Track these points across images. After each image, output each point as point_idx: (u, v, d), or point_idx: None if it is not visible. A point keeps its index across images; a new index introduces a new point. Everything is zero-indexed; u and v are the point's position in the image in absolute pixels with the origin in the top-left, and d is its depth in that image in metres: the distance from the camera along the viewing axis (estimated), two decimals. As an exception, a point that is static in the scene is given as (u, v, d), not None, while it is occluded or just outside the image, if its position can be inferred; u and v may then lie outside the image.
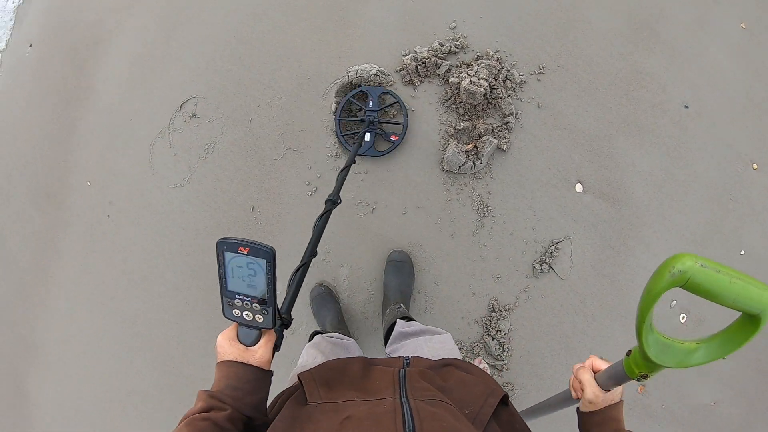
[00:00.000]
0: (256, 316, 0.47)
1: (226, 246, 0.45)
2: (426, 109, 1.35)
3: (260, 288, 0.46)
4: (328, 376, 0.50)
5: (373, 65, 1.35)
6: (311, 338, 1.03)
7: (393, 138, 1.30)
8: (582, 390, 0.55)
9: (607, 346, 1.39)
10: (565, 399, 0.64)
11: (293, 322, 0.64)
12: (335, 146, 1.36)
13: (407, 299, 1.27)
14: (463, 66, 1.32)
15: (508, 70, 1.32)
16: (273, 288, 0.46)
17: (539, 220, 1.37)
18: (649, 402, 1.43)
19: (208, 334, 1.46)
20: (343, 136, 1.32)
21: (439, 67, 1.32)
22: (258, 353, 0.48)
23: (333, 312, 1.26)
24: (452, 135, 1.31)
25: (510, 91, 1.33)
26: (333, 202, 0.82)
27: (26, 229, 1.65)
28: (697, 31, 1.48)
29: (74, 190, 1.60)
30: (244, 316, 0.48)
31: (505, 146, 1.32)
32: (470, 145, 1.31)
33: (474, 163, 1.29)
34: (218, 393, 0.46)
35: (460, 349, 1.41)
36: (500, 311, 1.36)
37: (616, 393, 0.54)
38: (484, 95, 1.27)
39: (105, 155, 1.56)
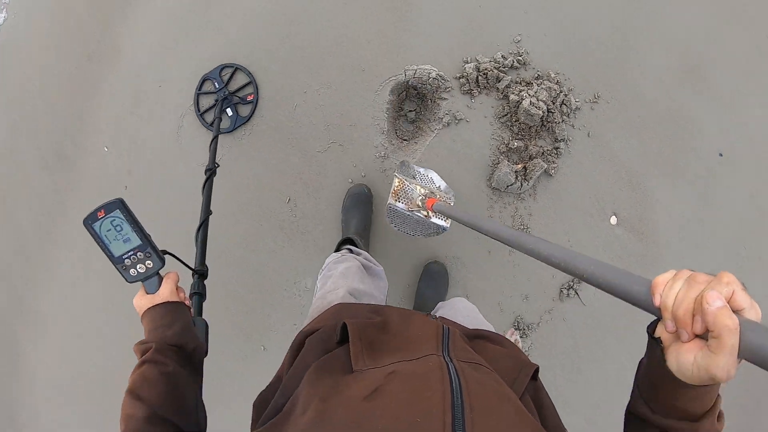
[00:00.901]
0: (146, 263, 0.52)
1: (89, 219, 0.50)
2: (481, 121, 1.25)
3: (133, 237, 0.51)
4: (372, 336, 0.44)
5: (433, 68, 1.23)
6: (338, 249, 0.95)
7: (249, 98, 1.24)
8: (695, 334, 0.28)
9: (614, 370, 1.39)
10: (633, 294, 0.35)
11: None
12: (384, 147, 1.25)
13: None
14: (523, 83, 1.23)
15: (566, 95, 1.24)
16: (140, 230, 0.52)
17: (573, 245, 1.32)
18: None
19: (225, 319, 1.34)
20: (201, 114, 1.27)
21: (499, 81, 1.22)
22: (162, 293, 0.52)
23: (362, 216, 1.15)
24: (504, 153, 1.23)
25: (564, 116, 1.25)
26: (211, 170, 0.90)
27: (31, 188, 1.45)
28: (742, 82, 1.45)
29: (89, 153, 1.40)
30: (139, 270, 0.52)
31: (552, 171, 1.26)
32: (520, 165, 1.23)
33: (521, 184, 1.22)
34: (143, 339, 0.49)
35: (516, 328, 1.37)
36: (524, 329, 1.33)
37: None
38: (541, 118, 1.19)
39: (127, 121, 1.37)
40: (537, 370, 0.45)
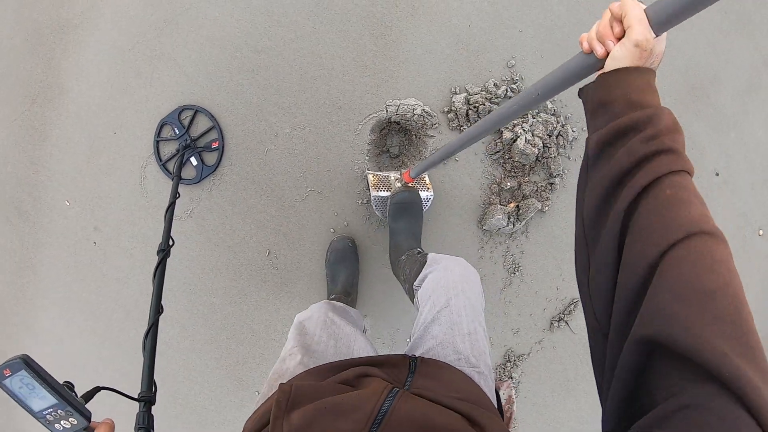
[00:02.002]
0: (70, 420, 0.44)
1: None
2: (471, 159, 1.08)
3: (47, 395, 0.44)
4: (302, 402, 0.39)
5: (417, 102, 1.03)
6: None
7: (214, 145, 1.05)
8: (617, 34, 0.33)
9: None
10: (576, 70, 0.38)
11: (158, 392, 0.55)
12: (367, 193, 1.09)
13: (419, 242, 0.98)
14: (516, 115, 1.05)
15: (563, 126, 1.07)
16: (53, 388, 0.44)
17: (564, 279, 1.22)
18: None
19: (216, 371, 1.25)
20: (163, 165, 1.07)
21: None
22: None
23: (349, 272, 1.02)
24: (496, 193, 1.08)
25: (561, 149, 1.09)
26: (164, 251, 0.71)
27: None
28: (744, 97, 1.27)
29: (49, 207, 1.21)
30: (64, 425, 0.44)
31: (546, 207, 1.12)
32: (512, 205, 1.08)
33: (514, 224, 1.08)
34: None
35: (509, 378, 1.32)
36: (514, 361, 1.26)
37: (660, 48, 0.34)
38: (537, 156, 1.03)
39: (85, 172, 1.16)
40: None
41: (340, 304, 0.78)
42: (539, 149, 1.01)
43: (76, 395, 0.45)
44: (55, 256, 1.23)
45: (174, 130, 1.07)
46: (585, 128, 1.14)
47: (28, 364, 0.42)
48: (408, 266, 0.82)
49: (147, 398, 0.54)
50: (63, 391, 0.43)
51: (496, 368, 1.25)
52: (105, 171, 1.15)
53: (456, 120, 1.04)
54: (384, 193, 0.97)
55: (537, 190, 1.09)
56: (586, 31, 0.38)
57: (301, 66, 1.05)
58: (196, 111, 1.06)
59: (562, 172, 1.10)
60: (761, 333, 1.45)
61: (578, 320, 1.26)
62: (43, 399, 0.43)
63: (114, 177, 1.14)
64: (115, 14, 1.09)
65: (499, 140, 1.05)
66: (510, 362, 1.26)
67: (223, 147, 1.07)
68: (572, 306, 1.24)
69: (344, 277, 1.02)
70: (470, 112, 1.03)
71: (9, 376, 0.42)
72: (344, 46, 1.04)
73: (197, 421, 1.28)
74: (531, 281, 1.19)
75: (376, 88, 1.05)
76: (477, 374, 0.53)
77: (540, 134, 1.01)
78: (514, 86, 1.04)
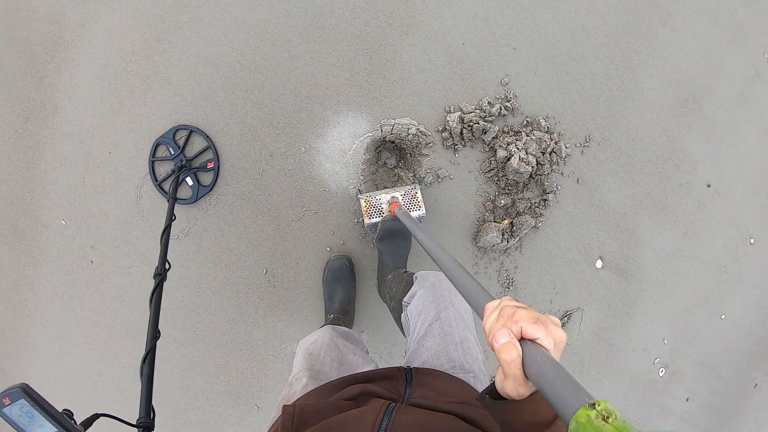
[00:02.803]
0: None
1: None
2: (465, 177, 1.12)
3: (46, 424, 0.45)
4: (307, 419, 0.42)
5: (412, 122, 1.06)
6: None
7: (209, 165, 1.07)
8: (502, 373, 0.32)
9: (596, 395, 1.42)
10: (475, 304, 0.41)
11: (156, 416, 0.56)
12: (361, 223, 1.12)
13: (405, 264, 1.03)
14: (511, 133, 1.08)
15: (556, 143, 1.10)
16: (52, 416, 0.45)
17: (557, 293, 1.27)
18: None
19: (216, 387, 1.29)
20: (159, 185, 1.10)
21: (485, 133, 1.07)
22: None
23: (346, 290, 1.06)
24: (490, 210, 1.12)
25: (554, 165, 1.13)
26: (160, 275, 0.72)
27: (-12, 267, 1.30)
28: (736, 107, 1.31)
29: (45, 226, 1.24)
30: None
31: (540, 224, 1.16)
32: (506, 222, 1.12)
33: (507, 241, 1.12)
34: None
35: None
36: (509, 373, 1.31)
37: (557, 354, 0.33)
38: (530, 174, 1.07)
39: (80, 192, 1.19)
40: None
41: (344, 328, 0.81)
42: (533, 167, 1.05)
43: (75, 423, 0.46)
44: (53, 274, 1.27)
45: (169, 150, 1.09)
46: (579, 145, 1.17)
47: (27, 393, 0.44)
48: (395, 285, 0.86)
49: (145, 424, 0.55)
50: (63, 420, 0.45)
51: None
52: (101, 190, 1.17)
53: (450, 139, 1.07)
54: (375, 220, 1.01)
55: (531, 206, 1.13)
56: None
57: (295, 85, 1.07)
58: (191, 131, 1.08)
59: (555, 189, 1.14)
60: (759, 344, 1.49)
61: (571, 331, 1.31)
62: (42, 427, 0.45)
63: (110, 196, 1.17)
64: (107, 32, 1.11)
65: (493, 158, 1.08)
66: (505, 374, 1.31)
67: (218, 167, 1.09)
68: (566, 318, 1.29)
69: (341, 296, 1.06)
70: (464, 130, 1.06)
71: (8, 405, 0.44)
72: (338, 66, 1.07)
73: (197, 435, 1.32)
74: (525, 295, 1.24)
75: (370, 107, 1.08)
76: (472, 378, 0.56)
77: (534, 152, 1.05)
78: (507, 104, 1.08)
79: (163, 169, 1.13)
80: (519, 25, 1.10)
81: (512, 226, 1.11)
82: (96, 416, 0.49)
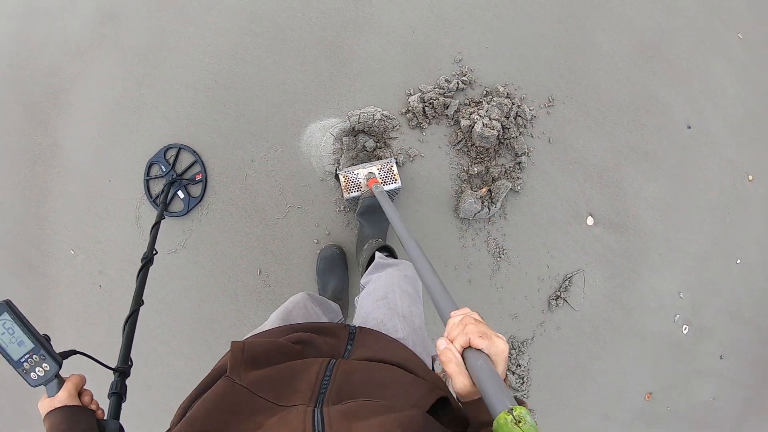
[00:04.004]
0: (43, 365, 0.51)
1: None
2: (436, 153, 1.23)
3: (25, 340, 0.50)
4: (256, 354, 0.46)
5: (376, 108, 1.19)
6: None
7: (198, 177, 1.22)
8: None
9: (618, 365, 1.41)
10: (441, 311, 0.49)
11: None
12: (342, 200, 1.23)
13: (385, 235, 1.13)
14: (472, 104, 1.19)
15: (519, 106, 1.20)
16: (31, 332, 0.51)
17: (553, 256, 1.31)
18: (655, 407, 1.48)
19: (227, 396, 1.36)
20: (153, 201, 1.26)
21: (447, 107, 1.19)
22: (59, 396, 0.51)
23: (339, 278, 1.15)
24: (465, 180, 1.21)
25: (522, 128, 1.22)
26: (148, 258, 0.86)
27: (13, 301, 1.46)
28: (699, 46, 1.39)
29: (56, 259, 1.40)
30: (38, 373, 0.51)
31: (519, 187, 1.23)
32: (484, 190, 1.21)
33: (489, 208, 1.20)
34: None
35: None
36: (519, 347, 1.33)
37: (500, 366, 0.41)
38: (497, 137, 1.16)
39: (85, 221, 1.36)
40: (443, 399, 0.44)
41: (320, 297, 0.88)
42: (498, 131, 1.14)
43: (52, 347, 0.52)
44: (65, 304, 1.41)
45: (161, 168, 1.25)
46: (543, 106, 1.27)
47: (10, 307, 0.50)
48: (364, 256, 0.98)
49: (121, 369, 0.66)
50: (38, 336, 0.51)
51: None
52: (104, 216, 1.33)
53: (415, 119, 1.19)
54: (355, 194, 1.11)
55: (506, 171, 1.22)
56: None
57: (267, 95, 1.23)
58: (180, 148, 1.24)
59: (527, 151, 1.23)
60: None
61: (576, 295, 1.34)
62: (21, 345, 0.50)
63: (112, 221, 1.33)
64: (99, 75, 1.32)
65: (458, 130, 1.19)
66: (514, 349, 1.33)
67: (206, 178, 1.24)
68: (567, 282, 1.32)
69: (334, 284, 1.15)
70: (426, 109, 1.18)
71: None
72: (303, 71, 1.23)
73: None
74: (519, 263, 1.29)
75: (337, 102, 1.22)
76: (412, 346, 0.60)
77: (497, 117, 1.15)
78: (464, 78, 1.20)
79: (158, 187, 1.29)
80: (463, 6, 1.24)
81: (491, 193, 1.20)
82: (73, 351, 0.56)
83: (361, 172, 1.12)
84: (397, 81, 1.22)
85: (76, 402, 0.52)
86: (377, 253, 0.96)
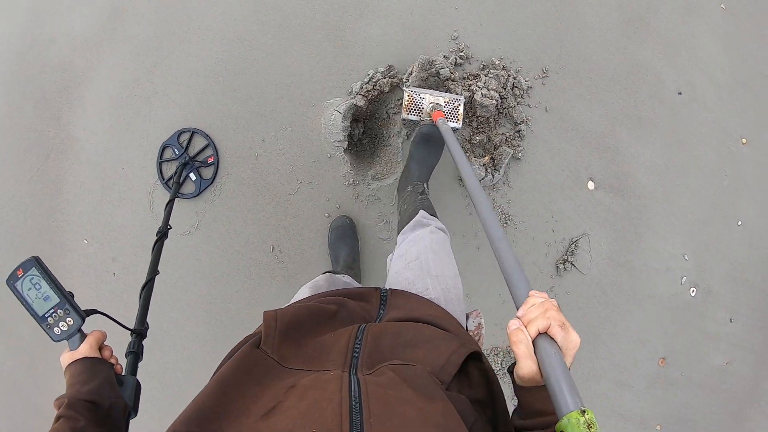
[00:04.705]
0: (67, 320, 0.54)
1: (11, 279, 0.53)
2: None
3: (51, 294, 0.53)
4: (289, 325, 0.47)
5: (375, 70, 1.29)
6: None
7: (210, 160, 1.30)
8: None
9: (628, 329, 1.47)
10: (516, 291, 0.49)
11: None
12: (351, 174, 1.31)
13: (428, 178, 1.15)
14: (471, 78, 1.29)
15: (515, 78, 1.31)
16: (57, 287, 0.54)
17: (557, 221, 1.39)
18: (669, 372, 1.53)
19: (243, 378, 1.41)
20: (165, 182, 1.34)
21: (446, 80, 1.29)
22: (81, 349, 0.55)
23: (350, 248, 1.20)
24: (468, 150, 1.30)
25: (519, 99, 1.32)
26: (163, 232, 0.94)
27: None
28: (684, 18, 1.51)
29: (69, 249, 1.47)
30: (62, 328, 0.54)
31: (520, 154, 1.32)
32: (487, 158, 1.29)
33: (492, 175, 1.28)
34: (61, 395, 0.51)
35: (496, 355, 1.44)
36: (530, 313, 1.40)
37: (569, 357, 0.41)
38: (496, 106, 1.26)
39: (99, 210, 1.43)
40: (478, 354, 0.46)
41: (345, 278, 0.91)
42: (497, 100, 1.24)
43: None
44: (79, 295, 1.46)
45: (174, 151, 1.34)
46: (538, 77, 1.37)
47: (38, 262, 0.53)
48: (406, 205, 1.01)
49: (138, 330, 0.72)
50: (64, 291, 0.54)
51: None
52: (117, 204, 1.41)
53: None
54: (413, 117, 1.12)
55: (506, 139, 1.31)
56: None
57: (274, 77, 1.33)
58: (193, 132, 1.33)
59: (525, 119, 1.32)
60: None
61: (583, 259, 1.41)
62: (46, 300, 0.53)
63: (126, 208, 1.40)
64: (111, 68, 1.41)
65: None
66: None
67: (218, 161, 1.32)
68: (573, 246, 1.40)
69: (345, 254, 1.22)
70: (430, 79, 1.28)
71: (21, 277, 0.52)
72: (308, 54, 1.33)
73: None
74: (525, 228, 1.37)
75: (341, 82, 1.32)
76: (443, 303, 0.62)
77: (494, 87, 1.25)
78: (461, 54, 1.30)
79: (170, 170, 1.37)
80: (457, -11, 1.35)
81: (493, 160, 1.28)
82: (94, 311, 0.59)
83: (428, 98, 1.08)
84: (398, 60, 1.32)
85: (96, 354, 0.55)
86: (422, 212, 0.94)
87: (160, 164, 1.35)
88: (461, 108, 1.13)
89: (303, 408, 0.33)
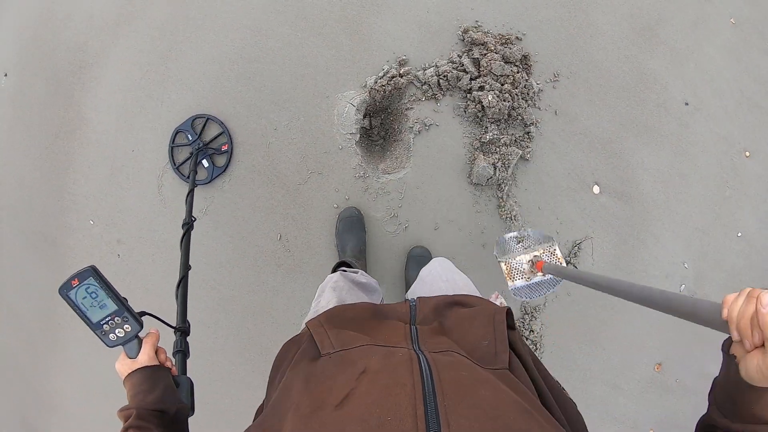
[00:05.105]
0: (124, 327, 0.54)
1: (64, 289, 0.52)
2: (450, 123, 1.35)
3: (108, 303, 0.53)
4: (336, 321, 0.49)
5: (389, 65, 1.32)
6: (334, 270, 1.00)
7: (224, 148, 1.32)
8: (755, 345, 0.33)
9: (627, 333, 1.51)
10: (705, 317, 0.41)
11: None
12: (361, 167, 1.34)
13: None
14: (483, 76, 1.33)
15: (527, 80, 1.34)
16: (115, 295, 0.54)
17: (562, 223, 1.43)
18: (664, 378, 1.57)
19: (241, 367, 1.43)
20: (177, 168, 1.36)
21: (460, 80, 1.32)
22: (140, 358, 0.55)
23: (357, 239, 1.24)
24: (478, 148, 1.33)
25: (530, 101, 1.36)
26: (189, 225, 0.95)
27: (26, 276, 1.52)
28: (693, 31, 1.56)
29: (74, 230, 1.48)
30: (118, 334, 0.54)
31: (528, 155, 1.36)
32: (496, 157, 1.33)
33: (500, 174, 1.32)
34: (126, 405, 0.53)
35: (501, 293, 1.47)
36: (531, 313, 1.43)
37: None
38: (507, 107, 1.29)
39: (107, 191, 1.45)
40: (510, 314, 0.48)
41: (360, 276, 0.93)
42: (508, 102, 1.28)
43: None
44: (82, 275, 1.48)
45: (187, 137, 1.36)
46: (549, 81, 1.41)
47: (96, 272, 0.53)
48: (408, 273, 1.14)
49: (182, 328, 0.76)
50: (120, 298, 0.54)
51: (515, 322, 1.42)
52: (125, 186, 1.42)
53: (430, 90, 1.32)
54: (521, 283, 1.06)
55: (516, 140, 1.34)
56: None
57: (290, 67, 1.36)
58: (208, 119, 1.35)
59: (535, 122, 1.36)
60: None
61: (585, 262, 1.45)
62: (102, 308, 0.53)
63: (133, 190, 1.42)
64: (125, 50, 1.43)
65: (471, 101, 1.32)
66: (528, 315, 1.43)
67: (232, 149, 1.35)
68: (576, 248, 1.43)
69: (353, 245, 1.25)
70: (441, 81, 1.31)
71: (76, 287, 0.51)
72: (324, 46, 1.36)
73: (227, 424, 1.43)
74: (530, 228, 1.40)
75: (355, 75, 1.35)
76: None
77: (507, 89, 1.28)
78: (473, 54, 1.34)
79: (182, 155, 1.39)
80: (474, -10, 1.39)
81: (502, 159, 1.32)
82: (143, 313, 0.60)
83: (524, 258, 1.07)
84: (412, 57, 1.35)
85: (155, 362, 0.55)
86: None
87: (171, 149, 1.37)
88: (558, 251, 1.08)
89: (376, 394, 0.33)
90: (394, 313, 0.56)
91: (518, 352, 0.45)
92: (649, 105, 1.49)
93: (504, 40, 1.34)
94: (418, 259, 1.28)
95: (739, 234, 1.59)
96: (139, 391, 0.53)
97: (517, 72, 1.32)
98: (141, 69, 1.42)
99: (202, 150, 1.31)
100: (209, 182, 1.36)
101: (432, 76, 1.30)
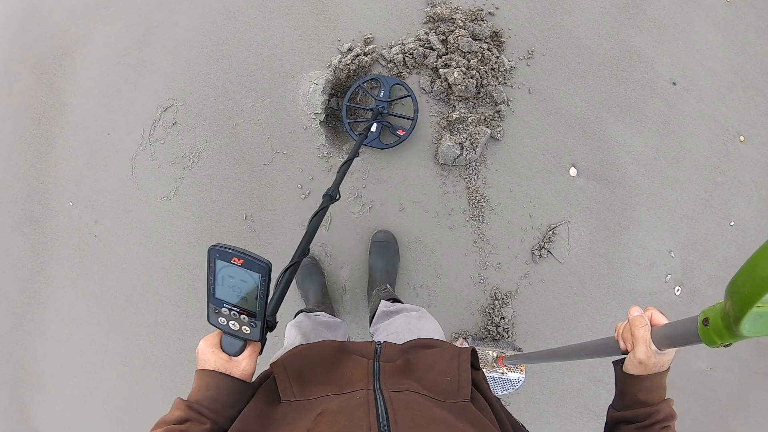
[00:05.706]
0: (243, 327, 0.46)
1: (218, 254, 0.43)
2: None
3: (250, 300, 0.45)
4: (299, 367, 0.48)
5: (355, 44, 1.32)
6: (295, 316, 1.00)
7: (400, 132, 1.25)
8: (632, 345, 0.47)
9: (606, 323, 1.45)
10: (608, 348, 0.54)
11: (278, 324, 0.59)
12: (325, 147, 1.35)
13: (393, 280, 1.27)
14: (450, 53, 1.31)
15: (498, 57, 1.31)
16: (264, 302, 0.45)
17: (536, 206, 1.39)
18: (648, 373, 1.50)
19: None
20: (348, 122, 1.27)
21: (426, 58, 1.30)
22: (242, 365, 0.46)
23: (317, 285, 1.28)
24: (445, 127, 1.31)
25: (500, 79, 1.32)
26: (331, 197, 0.77)
27: (12, 256, 1.60)
28: (683, 7, 1.48)
29: (56, 212, 1.55)
30: (230, 325, 0.46)
31: (499, 135, 1.33)
32: (463, 135, 1.31)
33: (469, 155, 1.29)
34: (197, 404, 0.43)
35: (465, 338, 1.45)
36: (502, 299, 1.40)
37: (668, 358, 0.47)
38: (475, 85, 1.27)
39: (85, 173, 1.50)
40: (474, 354, 0.50)
41: (321, 316, 0.96)
42: (476, 79, 1.25)
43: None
44: (63, 256, 1.54)
45: (377, 94, 1.26)
46: (522, 58, 1.37)
47: (269, 272, 0.43)
48: (372, 304, 1.12)
49: (271, 324, 0.55)
50: (266, 307, 0.45)
51: (485, 308, 1.39)
52: (102, 168, 1.48)
53: (396, 68, 1.31)
54: (495, 374, 1.24)
55: (485, 119, 1.31)
56: None
57: (256, 49, 1.37)
58: (395, 84, 1.38)
59: (506, 100, 1.32)
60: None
61: (561, 247, 1.40)
62: (240, 299, 0.44)
63: (110, 172, 1.47)
64: (104, 37, 1.49)
65: (437, 79, 1.30)
66: (498, 300, 1.39)
67: (414, 123, 1.30)
68: (551, 233, 1.39)
69: (314, 290, 1.27)
70: (406, 58, 1.30)
71: (234, 265, 0.43)
72: (291, 26, 1.37)
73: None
74: (501, 211, 1.37)
75: (321, 54, 1.35)
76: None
77: (475, 65, 1.26)
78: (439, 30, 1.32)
79: (355, 116, 1.42)
80: (444, -33, 1.37)
81: (470, 138, 1.29)
82: (269, 329, 0.50)
83: (491, 353, 1.26)
84: (378, 35, 1.35)
85: (251, 379, 0.48)
86: (383, 302, 1.01)
87: (346, 107, 1.27)
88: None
89: None
90: (360, 351, 0.56)
91: (482, 391, 0.48)
92: (633, 84, 1.43)
93: (474, 16, 1.32)
94: (382, 244, 1.27)
95: (732, 223, 1.50)
96: (220, 400, 0.44)
97: (487, 49, 1.29)
98: (119, 54, 1.47)
99: (382, 113, 1.23)
100: (384, 148, 1.25)
101: (397, 53, 1.29)
